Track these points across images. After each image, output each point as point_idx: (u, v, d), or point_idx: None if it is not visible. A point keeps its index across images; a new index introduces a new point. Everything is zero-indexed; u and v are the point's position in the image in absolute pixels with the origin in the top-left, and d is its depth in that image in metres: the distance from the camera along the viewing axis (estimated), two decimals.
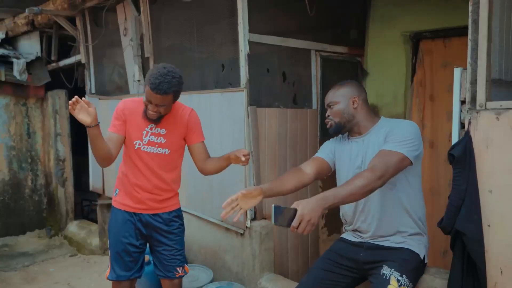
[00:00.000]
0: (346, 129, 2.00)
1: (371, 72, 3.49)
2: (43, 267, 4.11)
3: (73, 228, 4.92)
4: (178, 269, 2.33)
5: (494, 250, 1.59)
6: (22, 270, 4.05)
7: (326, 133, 3.29)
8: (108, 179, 4.27)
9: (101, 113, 4.30)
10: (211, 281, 2.83)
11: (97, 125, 1.98)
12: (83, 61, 4.52)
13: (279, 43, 2.93)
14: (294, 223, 1.56)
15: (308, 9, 2.90)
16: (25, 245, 4.84)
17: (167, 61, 3.47)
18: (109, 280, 2.30)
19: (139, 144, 2.18)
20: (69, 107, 1.93)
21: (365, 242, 1.98)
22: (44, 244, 4.88)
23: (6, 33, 5.24)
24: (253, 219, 2.77)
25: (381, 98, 3.42)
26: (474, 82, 1.64)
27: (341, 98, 1.97)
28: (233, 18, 2.74)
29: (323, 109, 3.27)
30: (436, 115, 3.21)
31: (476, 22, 1.61)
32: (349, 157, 2.00)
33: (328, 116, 2.00)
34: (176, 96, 2.12)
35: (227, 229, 2.95)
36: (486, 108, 1.59)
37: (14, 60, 4.80)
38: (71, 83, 4.95)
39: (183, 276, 2.37)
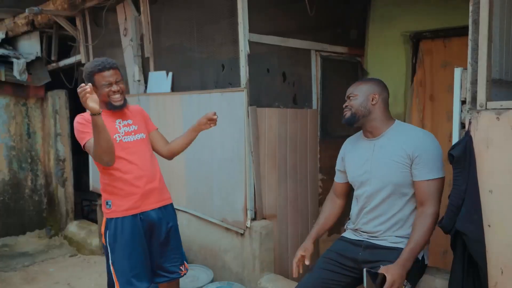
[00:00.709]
0: (359, 122, 2.00)
1: (371, 72, 3.49)
2: (43, 267, 4.10)
3: (73, 228, 4.92)
4: (181, 267, 2.33)
5: (495, 250, 1.59)
6: (22, 270, 4.05)
7: (326, 133, 3.29)
8: None
9: None
10: (211, 281, 2.83)
11: (100, 113, 1.94)
12: (83, 61, 4.52)
13: (279, 43, 2.93)
14: (387, 286, 1.74)
15: (308, 9, 2.90)
16: (25, 245, 4.83)
17: (167, 61, 3.50)
18: None
19: (119, 136, 2.17)
20: (84, 95, 1.86)
21: (363, 240, 2.00)
22: (44, 244, 4.87)
23: (6, 33, 5.24)
24: (253, 219, 2.77)
25: None
26: (474, 82, 1.64)
27: (361, 93, 1.98)
28: (233, 18, 2.74)
29: (323, 109, 3.27)
30: (436, 115, 3.21)
31: (476, 22, 1.61)
32: (358, 159, 2.03)
33: (346, 106, 2.02)
34: (120, 73, 2.19)
35: (227, 229, 2.95)
36: (486, 108, 1.59)
37: (14, 60, 4.80)
38: (71, 83, 4.95)
39: (185, 274, 2.37)
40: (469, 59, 1.64)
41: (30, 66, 4.94)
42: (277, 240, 2.91)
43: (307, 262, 2.03)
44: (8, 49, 5.17)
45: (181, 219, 3.31)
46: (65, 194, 5.10)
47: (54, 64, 5.12)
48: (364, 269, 1.78)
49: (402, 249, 1.87)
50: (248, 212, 2.75)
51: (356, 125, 2.03)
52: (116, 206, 2.16)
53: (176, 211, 2.43)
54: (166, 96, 3.37)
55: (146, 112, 2.42)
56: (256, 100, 2.79)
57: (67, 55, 4.98)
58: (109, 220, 2.17)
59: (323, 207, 2.25)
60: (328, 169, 3.25)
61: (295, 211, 3.06)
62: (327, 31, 3.32)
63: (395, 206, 1.92)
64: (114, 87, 2.13)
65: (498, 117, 1.55)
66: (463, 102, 1.70)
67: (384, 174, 1.91)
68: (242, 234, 2.82)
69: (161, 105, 3.44)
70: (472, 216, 1.60)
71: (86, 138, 2.09)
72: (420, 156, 1.84)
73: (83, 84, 1.89)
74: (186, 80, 3.35)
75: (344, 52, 3.40)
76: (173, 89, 3.39)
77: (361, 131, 2.11)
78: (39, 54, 5.09)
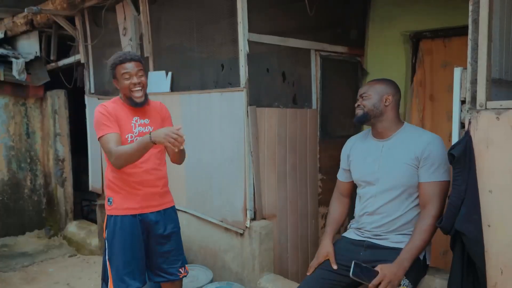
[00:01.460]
0: (370, 122, 2.01)
1: (371, 72, 3.49)
2: (43, 267, 4.10)
3: (73, 228, 4.92)
4: (180, 269, 2.32)
5: (494, 250, 1.58)
6: (22, 270, 4.04)
7: (326, 133, 3.29)
8: None
9: None
10: (211, 281, 2.83)
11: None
12: (82, 61, 4.52)
13: (279, 42, 2.92)
14: (375, 281, 1.78)
15: (308, 9, 2.89)
16: (25, 245, 4.83)
17: (167, 61, 3.49)
18: None
19: (131, 137, 2.16)
20: (174, 144, 1.85)
21: (365, 240, 2.00)
22: (43, 244, 4.87)
23: (5, 33, 5.24)
24: (252, 219, 2.77)
25: None
26: (474, 82, 1.63)
27: (375, 93, 1.98)
28: (232, 18, 2.74)
29: (323, 109, 3.27)
30: (436, 115, 3.21)
31: (476, 22, 1.61)
32: (365, 158, 2.04)
33: (358, 105, 2.02)
34: (143, 66, 2.20)
35: (226, 229, 2.94)
36: (486, 108, 1.59)
37: (13, 60, 4.79)
38: (71, 83, 4.95)
39: (185, 276, 2.36)
40: (469, 59, 1.64)
41: (29, 65, 4.93)
42: (277, 240, 2.91)
43: (334, 267, 1.97)
44: (7, 48, 5.16)
45: (181, 219, 3.29)
46: (64, 194, 5.10)
47: (53, 64, 5.11)
48: (353, 261, 1.83)
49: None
50: (248, 212, 2.74)
51: (366, 124, 2.04)
52: (117, 204, 2.18)
53: (176, 211, 2.43)
54: (166, 96, 3.36)
55: (168, 111, 2.36)
56: (255, 100, 2.78)
57: (66, 55, 4.98)
58: (109, 217, 2.21)
59: (331, 207, 2.24)
60: (328, 169, 3.25)
61: (294, 211, 3.06)
62: (327, 31, 3.32)
63: (401, 207, 1.93)
64: (135, 79, 2.12)
65: (498, 117, 1.55)
66: (463, 102, 1.70)
67: (393, 176, 1.92)
68: (241, 234, 2.82)
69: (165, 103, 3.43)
70: (472, 216, 1.60)
71: (105, 131, 2.08)
72: (427, 158, 1.86)
73: (182, 136, 1.85)
74: (185, 80, 3.34)
75: (344, 52, 3.40)
76: (173, 89, 3.38)
77: (368, 130, 2.11)
78: (38, 54, 5.08)
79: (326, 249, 2.03)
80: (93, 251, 4.37)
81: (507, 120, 1.53)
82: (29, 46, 5.21)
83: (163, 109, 2.34)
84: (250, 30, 2.69)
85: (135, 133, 2.17)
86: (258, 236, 2.72)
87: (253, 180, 2.74)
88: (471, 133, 1.62)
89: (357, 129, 3.48)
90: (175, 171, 3.29)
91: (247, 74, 2.69)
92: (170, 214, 2.32)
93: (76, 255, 4.45)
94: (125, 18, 3.78)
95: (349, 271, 1.94)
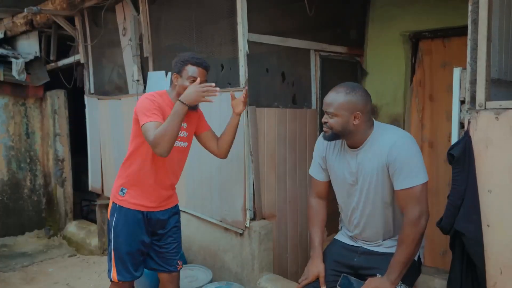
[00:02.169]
0: (341, 138, 1.89)
1: (371, 72, 3.49)
2: (42, 267, 4.10)
3: (72, 228, 4.92)
4: (179, 262, 2.36)
5: (494, 250, 1.59)
6: (21, 270, 4.04)
7: None
8: (107, 179, 4.27)
9: (100, 113, 4.31)
10: (211, 281, 2.83)
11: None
12: (82, 61, 4.52)
13: (279, 43, 2.92)
14: None
15: (307, 9, 2.89)
16: (24, 245, 4.83)
17: (166, 61, 3.49)
18: (120, 281, 2.20)
19: None
20: (208, 93, 1.96)
21: (359, 246, 1.98)
22: (43, 244, 4.87)
23: (5, 33, 5.23)
24: (252, 219, 2.77)
25: (381, 98, 3.42)
26: (473, 82, 1.64)
27: (343, 112, 1.78)
28: (232, 18, 2.73)
29: (322, 109, 3.27)
30: (436, 115, 3.21)
31: (475, 22, 1.61)
32: (342, 171, 1.93)
33: (326, 123, 1.85)
34: (207, 78, 2.22)
35: (226, 229, 2.94)
36: (485, 108, 1.59)
37: (13, 60, 4.79)
38: (70, 83, 4.95)
39: (181, 269, 2.41)
40: (468, 59, 1.64)
41: (29, 66, 4.93)
42: (276, 240, 2.91)
43: (323, 287, 1.89)
44: (7, 48, 5.16)
45: (181, 219, 3.31)
46: (64, 194, 5.10)
47: (53, 64, 5.11)
48: (343, 274, 1.84)
49: None
50: (247, 212, 2.74)
51: (338, 139, 1.91)
52: (130, 197, 2.20)
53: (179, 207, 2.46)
54: None
55: (199, 112, 2.36)
56: (255, 100, 2.78)
57: (66, 55, 4.97)
58: (119, 207, 2.21)
59: (312, 213, 2.07)
60: None
61: (294, 211, 3.06)
62: (326, 31, 3.32)
63: (387, 215, 1.88)
64: None
65: (497, 117, 1.55)
66: (462, 102, 1.70)
67: (368, 186, 1.85)
68: (241, 234, 2.82)
69: None
70: (471, 216, 1.60)
71: (150, 118, 2.02)
72: (394, 163, 1.75)
73: (214, 85, 1.96)
74: None
75: (343, 52, 3.40)
76: None
77: None
78: (38, 54, 5.08)
79: (317, 269, 1.93)
80: (92, 251, 4.37)
81: (506, 120, 1.53)
82: (29, 46, 5.21)
83: (200, 110, 2.36)
84: (250, 30, 2.69)
85: None
86: (258, 236, 2.72)
87: (252, 180, 2.74)
88: (471, 133, 1.62)
89: None
90: None
91: (246, 74, 2.69)
92: (175, 210, 2.38)
93: (75, 255, 4.45)
94: (124, 18, 3.79)
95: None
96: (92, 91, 4.52)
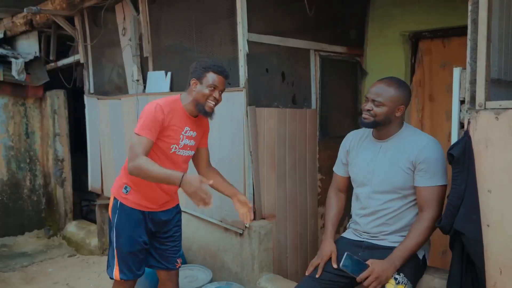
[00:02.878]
0: (378, 127, 1.97)
1: (370, 72, 3.49)
2: (42, 267, 4.10)
3: (72, 228, 4.91)
4: (178, 260, 2.37)
5: (493, 250, 1.59)
6: (21, 270, 4.04)
7: (325, 133, 3.29)
8: (106, 179, 4.26)
9: (100, 113, 4.31)
10: (210, 281, 2.83)
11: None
12: (81, 61, 4.52)
13: (278, 43, 2.92)
14: (362, 276, 1.80)
15: (307, 9, 2.89)
16: (24, 245, 4.83)
17: (166, 61, 3.49)
18: (122, 280, 2.20)
19: (175, 148, 2.13)
20: (203, 202, 1.88)
21: (363, 241, 2.01)
22: (43, 244, 4.87)
23: (5, 33, 5.23)
24: (252, 219, 2.76)
25: None
26: (473, 82, 1.64)
27: (391, 103, 1.88)
28: (232, 18, 2.73)
29: (322, 109, 3.27)
30: (435, 115, 3.21)
31: (475, 22, 1.61)
32: (363, 158, 2.03)
33: (369, 110, 1.92)
34: (225, 86, 2.20)
35: (226, 229, 2.94)
36: (485, 108, 1.59)
37: (13, 60, 4.79)
38: (70, 83, 4.95)
39: (180, 267, 2.41)
40: (468, 59, 1.64)
41: (28, 66, 4.93)
42: (276, 240, 2.91)
43: (335, 266, 1.93)
44: (7, 48, 5.16)
45: (181, 219, 3.31)
46: (64, 194, 5.10)
47: (52, 64, 5.11)
48: (346, 253, 1.86)
49: None
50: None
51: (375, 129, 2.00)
52: (133, 197, 2.17)
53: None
54: (165, 96, 3.36)
55: (208, 124, 2.35)
56: (255, 100, 2.78)
57: (66, 55, 4.97)
58: (121, 204, 2.18)
59: (329, 204, 2.20)
60: (327, 169, 3.25)
61: (294, 211, 3.06)
62: (326, 31, 3.32)
63: (396, 209, 1.93)
64: (217, 94, 2.11)
65: (497, 117, 1.55)
66: (462, 102, 1.70)
67: (386, 177, 1.93)
68: (241, 234, 2.82)
69: None
70: (471, 216, 1.60)
71: (144, 133, 1.98)
72: (423, 162, 1.84)
73: (211, 197, 1.87)
74: (185, 80, 3.32)
75: (343, 52, 3.40)
76: (172, 89, 3.38)
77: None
78: (38, 54, 5.08)
79: (329, 248, 2.01)
80: (92, 251, 4.37)
81: (506, 120, 1.53)
82: (29, 46, 5.20)
83: (207, 123, 2.33)
84: (250, 30, 2.69)
85: (180, 145, 2.15)
86: (258, 236, 2.72)
87: (252, 180, 2.74)
88: (470, 133, 1.62)
89: (356, 129, 3.49)
90: None
91: (246, 74, 2.69)
92: (177, 210, 2.39)
93: (75, 255, 4.45)
94: (124, 18, 3.78)
95: (347, 272, 1.94)
96: (91, 91, 4.52)
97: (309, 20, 3.00)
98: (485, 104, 1.59)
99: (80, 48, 4.46)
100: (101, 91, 4.40)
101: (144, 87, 3.68)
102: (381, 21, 3.39)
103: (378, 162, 1.96)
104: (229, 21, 2.78)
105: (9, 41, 5.34)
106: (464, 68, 1.68)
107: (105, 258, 3.76)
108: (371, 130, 2.07)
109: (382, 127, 1.96)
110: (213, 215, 3.02)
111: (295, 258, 3.09)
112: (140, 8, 3.56)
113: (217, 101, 2.14)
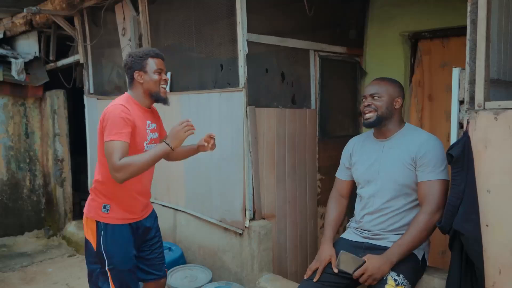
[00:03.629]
0: (382, 123, 1.98)
1: (370, 72, 3.49)
2: (42, 268, 4.10)
3: (72, 228, 4.91)
4: (165, 266, 2.35)
5: (493, 250, 1.59)
6: (21, 270, 4.04)
7: (325, 133, 3.29)
8: None
9: (99, 113, 4.30)
10: (210, 281, 2.83)
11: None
12: (81, 61, 4.52)
13: (278, 43, 2.93)
14: (357, 273, 1.81)
15: (307, 9, 2.89)
16: (24, 245, 4.82)
17: (166, 61, 3.48)
18: None
19: (145, 145, 2.09)
20: (188, 131, 1.94)
21: (364, 242, 2.01)
22: (42, 245, 4.86)
23: (4, 33, 5.23)
24: (252, 219, 2.77)
25: None
26: (472, 82, 1.64)
27: (387, 94, 1.97)
28: (232, 18, 2.74)
29: (322, 109, 3.27)
30: (435, 115, 3.21)
31: (474, 22, 1.61)
32: (367, 158, 2.05)
33: (370, 105, 1.97)
34: None
35: (226, 229, 2.95)
36: (484, 108, 1.60)
37: (12, 60, 4.78)
38: (70, 83, 4.95)
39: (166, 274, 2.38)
40: (467, 59, 1.65)
41: (28, 66, 4.93)
42: (276, 240, 2.91)
43: (335, 270, 1.92)
44: (6, 49, 5.16)
45: (180, 219, 3.31)
46: (63, 194, 5.10)
47: (52, 64, 5.11)
48: (341, 251, 1.87)
49: None
50: (247, 212, 2.75)
51: (379, 126, 2.00)
52: (115, 213, 2.08)
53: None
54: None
55: (158, 113, 2.32)
56: (254, 100, 2.78)
57: (66, 55, 4.97)
58: (105, 225, 2.08)
59: (330, 208, 2.21)
60: (327, 169, 3.25)
61: (294, 211, 3.06)
62: (325, 31, 3.32)
63: (400, 207, 1.94)
64: (165, 76, 2.11)
65: (496, 117, 1.55)
66: (461, 102, 1.70)
67: (390, 175, 1.94)
68: (240, 234, 2.82)
69: (159, 105, 3.42)
70: (470, 216, 1.60)
71: (116, 137, 1.88)
72: (422, 157, 1.86)
73: (189, 120, 1.93)
74: (184, 80, 3.34)
75: (342, 52, 3.40)
76: (172, 89, 3.38)
77: (370, 131, 2.12)
78: (38, 54, 5.08)
79: (328, 253, 2.00)
80: None
81: (505, 120, 1.53)
82: (28, 46, 5.20)
83: (156, 111, 2.29)
84: (249, 30, 2.69)
85: (148, 141, 2.10)
86: (257, 236, 2.72)
87: (252, 180, 2.74)
88: (470, 133, 1.62)
89: (356, 129, 3.49)
90: (175, 171, 3.30)
91: (246, 74, 2.70)
92: (154, 214, 2.34)
93: (75, 255, 4.45)
94: (124, 18, 3.78)
95: (348, 273, 1.93)
96: (91, 91, 4.52)
97: (309, 20, 3.00)
98: (484, 104, 1.60)
99: (80, 48, 4.46)
100: (101, 91, 4.40)
101: None
102: (381, 21, 3.39)
103: (383, 161, 1.98)
104: (228, 21, 2.78)
105: (8, 41, 5.34)
106: (463, 68, 1.68)
107: None
108: (372, 132, 2.08)
109: (384, 125, 1.98)
110: (213, 215, 3.03)
111: (295, 258, 3.09)
112: (140, 8, 3.56)
113: (167, 83, 2.14)
